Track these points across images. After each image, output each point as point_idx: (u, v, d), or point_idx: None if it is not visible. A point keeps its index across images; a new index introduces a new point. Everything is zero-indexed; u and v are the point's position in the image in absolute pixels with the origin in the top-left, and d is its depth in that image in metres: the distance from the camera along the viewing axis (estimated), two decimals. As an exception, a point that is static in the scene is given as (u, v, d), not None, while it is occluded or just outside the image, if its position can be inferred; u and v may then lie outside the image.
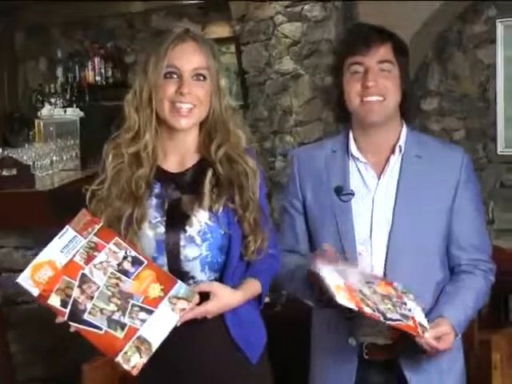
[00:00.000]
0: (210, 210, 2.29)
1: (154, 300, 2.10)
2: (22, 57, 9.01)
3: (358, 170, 2.53)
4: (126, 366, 2.01)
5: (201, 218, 2.29)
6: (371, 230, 2.48)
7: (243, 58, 6.85)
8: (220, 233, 2.29)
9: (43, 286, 2.02)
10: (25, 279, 2.03)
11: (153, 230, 2.28)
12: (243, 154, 2.34)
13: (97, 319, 2.03)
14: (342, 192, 2.50)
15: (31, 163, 5.50)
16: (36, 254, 2.12)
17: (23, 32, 8.87)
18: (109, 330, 2.03)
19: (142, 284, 2.10)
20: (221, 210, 2.29)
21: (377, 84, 2.42)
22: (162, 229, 2.28)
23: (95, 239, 2.12)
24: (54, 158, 5.98)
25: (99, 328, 2.02)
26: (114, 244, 2.13)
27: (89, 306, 2.03)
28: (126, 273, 2.11)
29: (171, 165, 2.36)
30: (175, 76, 2.28)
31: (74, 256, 2.08)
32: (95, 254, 2.10)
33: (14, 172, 4.84)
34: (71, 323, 2.02)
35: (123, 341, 2.03)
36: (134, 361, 2.02)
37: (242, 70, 6.89)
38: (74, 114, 6.94)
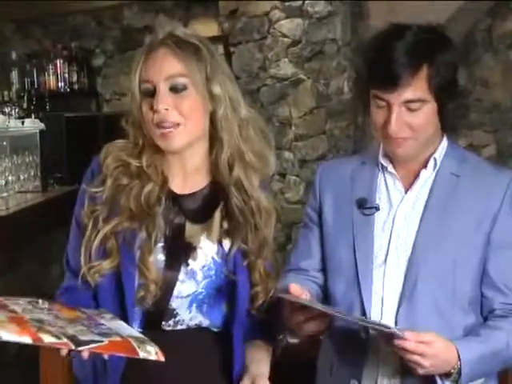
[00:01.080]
0: (220, 243, 2.29)
1: (94, 316, 2.19)
2: (-30, 59, 9.00)
3: (386, 182, 2.54)
4: (151, 357, 2.07)
5: (207, 252, 2.29)
6: (387, 254, 2.47)
7: (233, 60, 6.83)
8: (225, 272, 2.29)
9: (25, 333, 2.03)
10: (7, 335, 2.03)
11: (153, 254, 2.28)
12: (256, 187, 2.33)
13: (90, 336, 2.08)
14: (366, 205, 2.51)
15: (-21, 185, 5.46)
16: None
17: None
18: (106, 339, 2.08)
19: (68, 312, 2.18)
20: (235, 247, 2.28)
21: (400, 127, 2.38)
22: (161, 256, 2.27)
23: None
24: (10, 178, 5.93)
25: (100, 341, 2.07)
26: (5, 299, 2.18)
27: (70, 331, 2.07)
28: (49, 310, 2.17)
29: (176, 186, 2.35)
30: (151, 93, 2.25)
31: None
32: (7, 306, 2.15)
33: (-43, 196, 4.82)
34: (82, 348, 2.04)
35: (125, 341, 2.09)
36: (152, 350, 2.08)
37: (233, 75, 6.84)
38: (33, 126, 6.90)
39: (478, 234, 2.45)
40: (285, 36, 6.43)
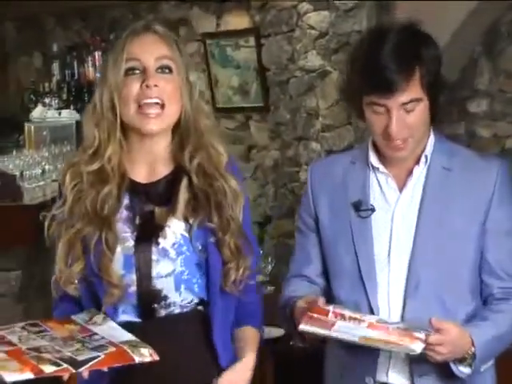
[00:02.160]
0: (186, 220, 2.30)
1: (81, 330, 2.23)
2: (13, 51, 9.05)
3: (378, 182, 2.54)
4: (147, 359, 2.15)
5: (176, 229, 2.30)
6: (389, 252, 2.48)
7: (263, 52, 6.80)
8: (197, 246, 2.29)
9: (26, 368, 2.07)
10: (9, 376, 2.07)
11: (120, 244, 2.29)
12: (223, 171, 2.35)
13: (86, 355, 2.12)
14: (361, 207, 2.52)
15: (18, 173, 5.52)
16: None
17: (13, 23, 8.90)
18: (102, 353, 2.13)
19: (60, 329, 2.23)
20: (197, 223, 2.29)
21: (401, 129, 2.40)
22: (130, 242, 2.30)
23: None
24: (47, 167, 5.98)
25: (97, 356, 2.12)
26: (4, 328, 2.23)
27: (67, 353, 2.12)
28: (41, 332, 2.22)
29: (141, 175, 2.38)
30: (137, 71, 2.30)
31: None
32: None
33: (-2, 183, 4.87)
34: (82, 369, 2.10)
35: (119, 350, 2.14)
36: (145, 352, 2.15)
37: (262, 66, 6.85)
38: (69, 116, 6.96)
39: (473, 224, 2.47)
40: (312, 28, 6.37)
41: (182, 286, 2.30)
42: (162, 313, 2.31)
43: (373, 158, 2.54)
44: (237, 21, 7.09)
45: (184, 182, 2.33)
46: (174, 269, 2.28)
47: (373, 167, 2.54)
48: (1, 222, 4.69)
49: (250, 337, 2.40)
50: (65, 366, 2.07)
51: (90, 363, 2.08)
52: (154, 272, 2.28)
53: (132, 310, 2.32)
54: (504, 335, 2.46)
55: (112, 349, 2.13)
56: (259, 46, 6.84)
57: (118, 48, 2.31)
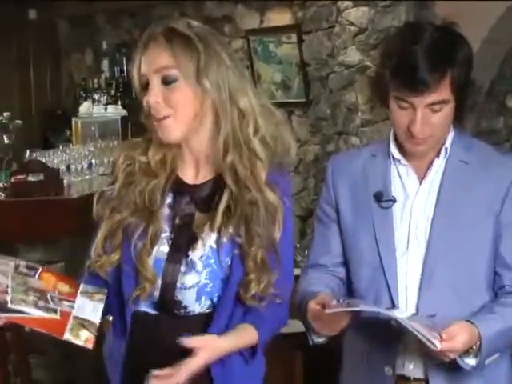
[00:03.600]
0: (219, 232, 2.21)
1: (68, 294, 2.16)
2: (66, 48, 9.11)
3: (399, 173, 2.52)
4: (77, 342, 2.08)
5: (206, 241, 2.22)
6: (408, 243, 2.46)
7: (304, 48, 6.78)
8: (226, 261, 2.21)
9: None
10: None
11: (157, 245, 2.24)
12: (261, 183, 2.21)
13: (23, 307, 2.08)
14: (383, 198, 2.50)
15: (64, 167, 5.52)
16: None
17: (66, 22, 8.96)
18: (41, 313, 2.08)
19: (49, 283, 2.15)
20: (226, 236, 2.21)
21: (423, 128, 2.36)
22: (165, 248, 2.24)
23: None
24: (94, 161, 5.99)
25: (29, 313, 2.07)
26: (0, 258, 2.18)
27: (8, 297, 2.08)
28: (26, 275, 2.15)
29: (188, 176, 2.30)
30: (146, 85, 2.20)
31: None
32: None
33: (41, 177, 4.85)
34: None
35: (62, 321, 2.09)
36: (83, 335, 2.09)
37: (304, 62, 6.81)
38: (115, 112, 6.97)
39: (488, 216, 2.45)
40: (352, 24, 6.34)
41: (203, 298, 2.23)
42: (180, 314, 2.26)
43: (394, 150, 2.50)
44: (279, 18, 7.08)
45: (227, 193, 2.22)
46: (198, 281, 2.21)
47: (394, 159, 2.51)
48: (44, 215, 4.66)
49: (241, 329, 2.25)
50: None
51: (14, 315, 2.04)
52: (179, 283, 2.21)
53: (152, 305, 2.26)
54: (509, 331, 2.41)
55: (55, 316, 2.08)
56: (300, 42, 6.82)
57: (133, 61, 2.24)
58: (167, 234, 2.24)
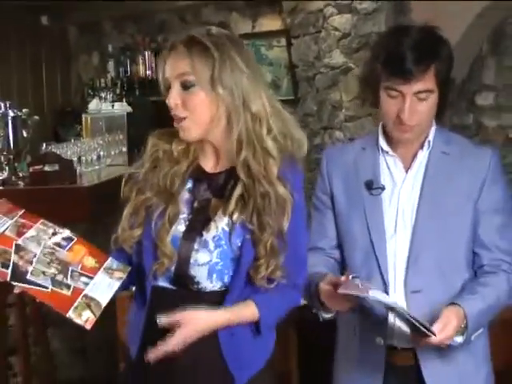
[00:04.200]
0: (230, 216, 2.24)
1: (90, 269, 2.15)
2: (76, 52, 9.12)
3: (387, 164, 2.55)
4: (78, 321, 2.05)
5: (219, 224, 2.24)
6: (396, 226, 2.50)
7: (292, 51, 6.80)
8: (236, 243, 2.23)
9: None
10: None
11: (175, 224, 2.26)
12: (273, 177, 2.22)
13: (40, 279, 2.07)
14: (373, 186, 2.53)
15: (76, 158, 5.54)
16: None
17: (76, 26, 8.96)
18: (54, 288, 2.07)
19: (77, 256, 2.14)
20: (239, 221, 2.22)
21: (412, 115, 2.40)
22: (182, 227, 2.25)
23: (21, 220, 2.16)
24: (102, 153, 6.01)
25: (45, 287, 2.06)
26: (41, 224, 2.17)
27: (30, 268, 2.07)
28: (58, 245, 2.15)
29: (208, 164, 2.32)
30: (168, 88, 2.23)
31: (3, 231, 2.12)
32: (24, 230, 2.14)
33: (57, 167, 4.86)
34: (15, 283, 2.05)
35: (71, 298, 2.07)
36: (85, 315, 2.06)
37: (292, 64, 6.83)
38: (121, 108, 6.97)
39: (468, 202, 2.49)
40: (336, 30, 6.36)
41: (214, 276, 2.24)
42: (194, 289, 2.27)
43: (382, 143, 2.54)
44: (270, 23, 7.12)
45: (241, 183, 2.24)
46: (210, 259, 2.23)
47: (382, 151, 2.54)
48: (59, 202, 4.67)
49: (241, 305, 2.25)
50: (7, 270, 2.04)
51: (30, 286, 2.03)
52: (192, 259, 2.23)
53: (169, 280, 2.28)
54: (491, 307, 2.45)
55: (66, 292, 2.07)
56: (289, 45, 6.85)
57: (159, 64, 2.26)
58: (185, 215, 2.26)
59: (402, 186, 2.51)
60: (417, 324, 2.26)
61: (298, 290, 2.33)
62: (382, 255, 2.48)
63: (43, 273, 2.08)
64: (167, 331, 2.18)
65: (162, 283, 2.27)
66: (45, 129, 7.99)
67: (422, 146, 2.52)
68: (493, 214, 2.50)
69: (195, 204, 2.28)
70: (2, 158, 4.89)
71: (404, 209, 2.50)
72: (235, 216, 2.22)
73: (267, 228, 2.20)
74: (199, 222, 2.25)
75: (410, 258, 2.46)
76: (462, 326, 2.36)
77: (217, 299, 2.25)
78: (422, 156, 2.52)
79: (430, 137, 2.52)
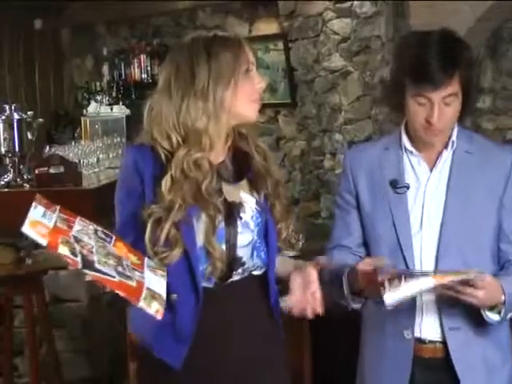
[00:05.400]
0: (256, 194, 2.34)
1: (137, 265, 2.14)
2: (68, 55, 9.09)
3: (411, 163, 2.60)
4: (149, 311, 2.05)
5: (251, 205, 2.32)
6: (421, 223, 2.54)
7: (291, 55, 6.81)
8: (265, 218, 2.32)
9: (48, 238, 2.01)
10: (29, 231, 2.02)
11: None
12: (256, 139, 2.39)
13: (107, 269, 2.05)
14: (398, 185, 2.57)
15: (77, 161, 5.53)
16: None
17: (69, 30, 8.94)
18: (121, 279, 2.06)
19: (121, 251, 2.14)
20: (262, 198, 2.33)
21: (440, 119, 2.46)
22: (219, 216, 2.27)
23: (62, 215, 2.11)
24: (101, 156, 6.00)
25: (112, 276, 2.04)
26: (80, 220, 2.14)
27: (95, 257, 2.04)
28: (104, 240, 2.13)
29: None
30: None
31: (55, 223, 2.06)
32: (71, 224, 2.10)
33: (61, 170, 4.87)
34: (87, 271, 2.01)
35: (137, 289, 2.07)
36: (154, 307, 2.06)
37: (291, 67, 6.84)
38: (120, 111, 6.98)
39: (493, 199, 2.56)
40: (336, 33, 6.38)
41: (255, 253, 2.32)
42: (236, 278, 2.32)
43: (406, 143, 2.59)
44: (266, 27, 7.13)
45: (247, 162, 2.34)
46: (252, 238, 2.31)
47: (406, 150, 2.60)
48: (65, 204, 4.67)
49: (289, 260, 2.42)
50: (77, 259, 2.00)
51: (99, 274, 2.01)
52: (239, 242, 2.29)
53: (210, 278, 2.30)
54: None
55: (132, 283, 2.06)
56: (287, 49, 6.86)
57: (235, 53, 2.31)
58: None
59: (426, 184, 2.56)
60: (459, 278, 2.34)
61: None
62: (409, 250, 2.53)
63: (106, 263, 2.05)
64: (220, 330, 2.29)
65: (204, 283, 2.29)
66: (38, 132, 7.95)
67: (446, 146, 2.57)
68: None
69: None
70: (7, 160, 4.89)
71: (430, 207, 2.55)
72: (257, 194, 2.34)
73: (279, 187, 2.37)
74: (229, 208, 2.29)
75: (438, 252, 2.51)
76: (498, 303, 2.43)
77: (259, 284, 2.36)
78: (447, 155, 2.57)
79: (454, 137, 2.57)
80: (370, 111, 6.16)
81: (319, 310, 2.27)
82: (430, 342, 2.53)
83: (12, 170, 4.89)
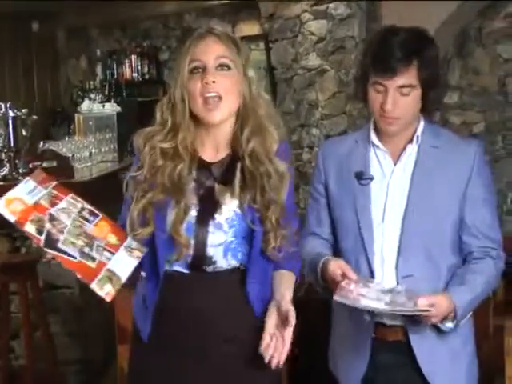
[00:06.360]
0: (239, 198, 2.27)
1: (113, 245, 2.16)
2: (64, 56, 9.08)
3: (377, 157, 2.55)
4: (100, 293, 2.06)
5: (230, 207, 2.27)
6: (384, 214, 2.50)
7: (271, 54, 6.78)
8: (247, 222, 2.26)
9: (18, 215, 2.07)
10: (1, 207, 2.07)
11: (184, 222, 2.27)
12: (273, 156, 2.28)
13: (70, 249, 2.08)
14: (362, 176, 2.54)
15: (70, 155, 5.52)
16: None
17: (64, 32, 8.92)
18: (82, 259, 2.08)
19: (101, 231, 2.15)
20: (246, 201, 2.26)
21: (394, 108, 2.42)
22: (194, 212, 2.26)
23: (54, 192, 2.16)
24: (93, 151, 6.00)
25: (73, 256, 2.07)
26: (71, 198, 2.18)
27: (61, 237, 2.08)
28: (86, 219, 2.15)
29: (208, 155, 2.33)
30: (200, 70, 2.24)
31: (39, 199, 2.12)
32: (57, 201, 2.14)
33: (54, 164, 4.85)
34: (47, 249, 2.06)
35: (96, 270, 2.08)
36: (106, 288, 2.07)
37: (271, 66, 6.82)
38: (111, 108, 6.94)
39: (456, 191, 2.50)
40: (312, 34, 6.35)
41: (229, 254, 2.28)
42: (209, 270, 2.30)
43: (373, 137, 2.56)
44: (249, 28, 7.14)
45: (239, 166, 2.28)
46: (225, 239, 2.26)
47: (373, 144, 2.56)
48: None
49: (284, 276, 2.34)
50: (41, 237, 2.05)
51: (60, 254, 2.05)
52: (209, 241, 2.26)
53: (185, 265, 2.30)
54: (478, 296, 2.49)
55: (92, 264, 2.08)
56: (268, 49, 6.83)
57: (184, 50, 2.27)
58: (194, 202, 2.27)
59: (391, 177, 2.52)
60: (412, 314, 2.31)
61: (297, 258, 2.41)
62: (369, 242, 2.49)
63: (72, 243, 2.08)
64: (179, 316, 2.26)
65: (178, 267, 2.29)
66: (36, 128, 7.94)
67: (410, 141, 2.53)
68: (479, 204, 2.51)
69: (201, 192, 2.28)
70: (3, 155, 4.87)
71: (393, 199, 2.51)
72: (243, 197, 2.26)
73: (271, 204, 2.25)
74: (209, 207, 2.26)
75: (401, 244, 2.47)
76: (452, 314, 2.40)
77: (233, 277, 2.30)
78: (411, 149, 2.52)
79: (419, 132, 2.53)
80: (344, 107, 6.13)
81: (282, 360, 2.18)
82: (391, 325, 2.49)
83: (8, 164, 4.86)
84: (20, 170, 4.87)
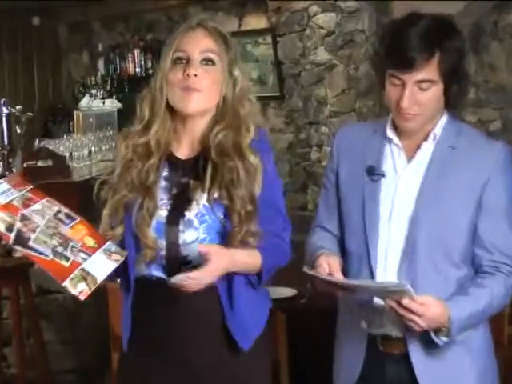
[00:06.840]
0: (209, 192, 2.22)
1: (89, 248, 2.13)
2: (66, 50, 9.09)
3: (391, 152, 2.41)
4: (73, 291, 2.04)
5: (200, 201, 2.22)
6: (391, 214, 2.36)
7: (278, 49, 6.76)
8: (219, 216, 2.21)
9: None
10: None
11: (157, 212, 2.24)
12: (244, 150, 2.24)
13: (42, 247, 2.07)
14: (374, 172, 2.40)
15: (68, 154, 5.47)
16: None
17: (66, 26, 8.89)
18: (54, 258, 2.07)
19: (78, 234, 2.13)
20: (215, 195, 2.21)
21: (411, 105, 2.26)
22: (164, 212, 2.23)
23: (29, 195, 2.17)
24: (93, 149, 5.96)
25: (45, 255, 2.06)
26: (47, 201, 2.18)
27: (32, 236, 2.08)
28: (61, 221, 2.14)
29: (183, 152, 2.31)
30: (184, 61, 2.22)
31: (11, 200, 2.13)
32: (30, 203, 2.14)
33: (50, 163, 4.80)
34: (17, 247, 2.07)
35: (69, 269, 2.06)
36: (80, 287, 2.05)
37: (278, 60, 6.78)
38: (112, 105, 6.89)
39: (469, 198, 2.32)
40: (321, 28, 6.33)
41: None
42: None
43: (389, 131, 2.40)
44: (256, 22, 7.07)
45: (211, 160, 2.26)
46: (197, 236, 2.20)
47: (389, 139, 2.41)
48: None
49: (249, 250, 2.24)
50: (11, 234, 2.06)
51: (30, 251, 2.05)
52: (181, 240, 2.20)
53: (162, 268, 2.25)
54: (479, 312, 2.32)
55: (64, 263, 2.06)
56: (275, 43, 6.79)
57: (171, 40, 2.25)
58: (165, 201, 2.24)
59: (401, 175, 2.38)
60: (388, 286, 2.22)
61: (286, 247, 2.34)
62: (374, 240, 2.36)
63: (45, 242, 2.07)
64: (155, 323, 2.24)
65: (155, 272, 2.24)
66: (36, 125, 7.91)
67: (426, 138, 2.37)
68: (494, 213, 2.34)
69: (173, 190, 2.26)
70: (-3, 153, 4.78)
71: (402, 198, 2.37)
72: (212, 191, 2.22)
73: (237, 200, 2.20)
74: (180, 205, 2.23)
75: (404, 252, 2.34)
76: (443, 329, 2.24)
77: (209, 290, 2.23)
78: (426, 148, 2.37)
79: (437, 129, 2.36)
80: (354, 104, 6.14)
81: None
82: (391, 338, 2.36)
83: (1, 163, 4.77)
84: (14, 169, 4.78)
